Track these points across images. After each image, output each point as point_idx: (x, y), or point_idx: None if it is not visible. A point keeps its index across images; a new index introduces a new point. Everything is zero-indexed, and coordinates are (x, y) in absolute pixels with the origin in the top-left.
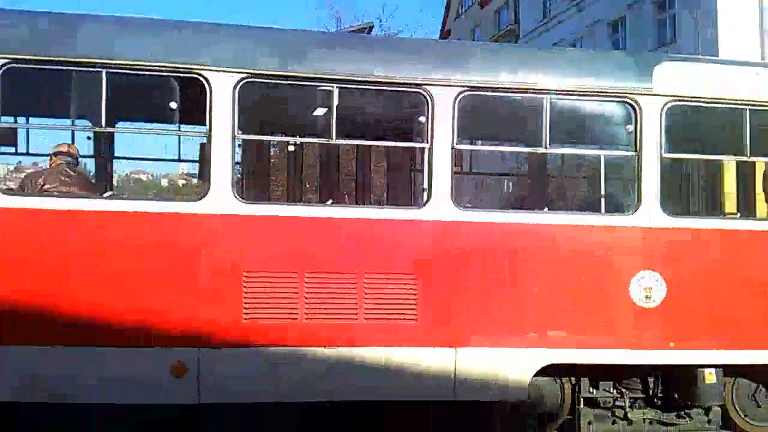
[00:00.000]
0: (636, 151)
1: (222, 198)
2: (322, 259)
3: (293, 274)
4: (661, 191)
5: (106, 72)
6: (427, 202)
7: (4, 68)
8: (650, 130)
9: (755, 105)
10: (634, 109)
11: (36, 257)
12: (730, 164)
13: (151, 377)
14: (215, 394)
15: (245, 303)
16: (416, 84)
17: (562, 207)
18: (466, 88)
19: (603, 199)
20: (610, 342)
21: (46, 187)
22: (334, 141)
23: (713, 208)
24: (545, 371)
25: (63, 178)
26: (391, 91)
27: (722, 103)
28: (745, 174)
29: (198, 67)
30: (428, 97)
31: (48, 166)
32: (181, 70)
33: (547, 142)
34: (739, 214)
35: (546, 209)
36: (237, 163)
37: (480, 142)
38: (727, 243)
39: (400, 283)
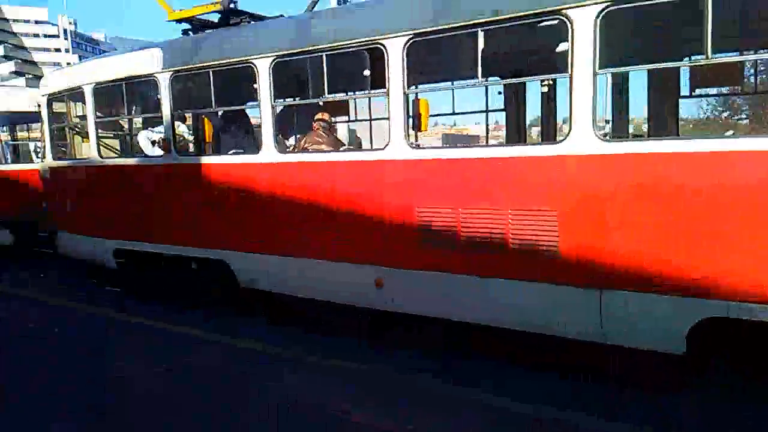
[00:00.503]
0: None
1: None
2: (473, 195)
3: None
4: None
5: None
6: (567, 135)
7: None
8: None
9: None
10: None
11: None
12: None
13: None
14: (402, 306)
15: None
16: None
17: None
18: (609, 3)
19: None
20: None
21: (305, 145)
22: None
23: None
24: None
25: (317, 138)
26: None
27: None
28: None
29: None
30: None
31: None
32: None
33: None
34: None
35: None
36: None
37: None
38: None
39: (542, 220)
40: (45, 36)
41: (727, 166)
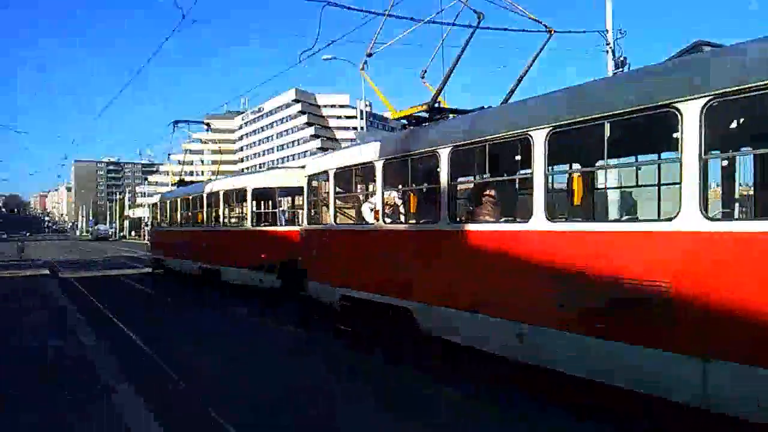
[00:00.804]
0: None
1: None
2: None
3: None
4: None
5: None
6: (678, 214)
7: None
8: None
9: None
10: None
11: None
12: None
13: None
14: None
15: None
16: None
17: None
18: (712, 97)
19: None
20: None
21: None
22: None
23: None
24: None
25: (485, 210)
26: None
27: None
28: None
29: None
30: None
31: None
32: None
33: None
34: None
35: None
36: None
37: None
38: None
39: (655, 290)
40: (345, 117)
41: None
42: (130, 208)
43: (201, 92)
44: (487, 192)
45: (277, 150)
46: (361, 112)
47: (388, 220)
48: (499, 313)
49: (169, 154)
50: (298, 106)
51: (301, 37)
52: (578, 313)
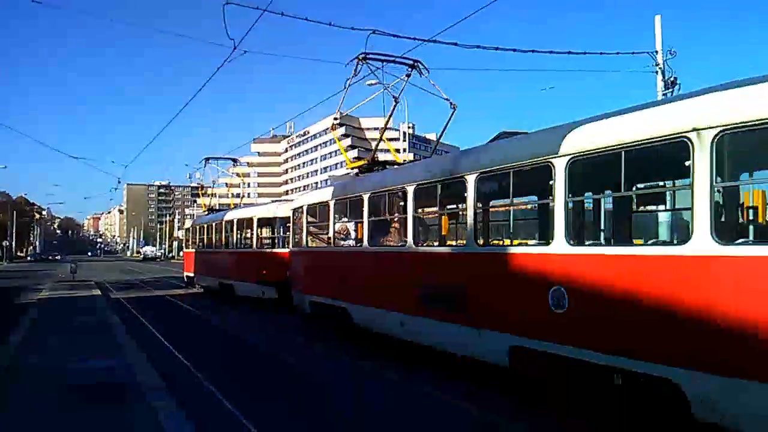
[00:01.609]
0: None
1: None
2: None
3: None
4: None
5: None
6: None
7: None
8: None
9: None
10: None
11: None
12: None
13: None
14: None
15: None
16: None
17: None
18: (722, 129)
19: None
20: None
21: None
22: None
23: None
24: None
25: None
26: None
27: None
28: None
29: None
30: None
31: None
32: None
33: None
34: None
35: None
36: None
37: None
38: None
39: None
40: (389, 139)
41: None
42: (179, 229)
43: (248, 116)
44: (392, 225)
45: (321, 172)
46: (404, 134)
47: (342, 243)
48: (391, 308)
49: (214, 181)
50: (342, 129)
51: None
52: (429, 305)
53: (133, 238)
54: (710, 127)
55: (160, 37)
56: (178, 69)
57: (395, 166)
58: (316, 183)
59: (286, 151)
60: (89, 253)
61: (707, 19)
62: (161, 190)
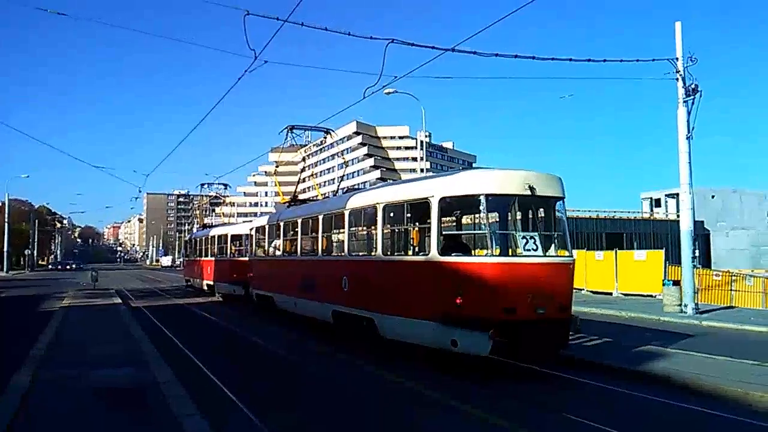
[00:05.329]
0: None
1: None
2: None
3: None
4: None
5: None
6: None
7: None
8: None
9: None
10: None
11: None
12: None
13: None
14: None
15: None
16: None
17: None
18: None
19: None
20: None
21: None
22: None
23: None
24: None
25: None
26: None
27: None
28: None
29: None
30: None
31: None
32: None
33: None
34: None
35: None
36: None
37: None
38: None
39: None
40: (405, 148)
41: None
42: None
43: (268, 126)
44: (303, 242)
45: (338, 181)
46: (421, 142)
47: (277, 253)
48: (291, 295)
49: (225, 185)
50: (358, 138)
51: (365, 74)
52: (305, 291)
53: (153, 246)
54: (439, 196)
55: (180, 47)
56: (198, 78)
57: (310, 202)
58: (334, 192)
59: (304, 160)
60: (109, 263)
61: (729, 27)
62: (180, 200)
